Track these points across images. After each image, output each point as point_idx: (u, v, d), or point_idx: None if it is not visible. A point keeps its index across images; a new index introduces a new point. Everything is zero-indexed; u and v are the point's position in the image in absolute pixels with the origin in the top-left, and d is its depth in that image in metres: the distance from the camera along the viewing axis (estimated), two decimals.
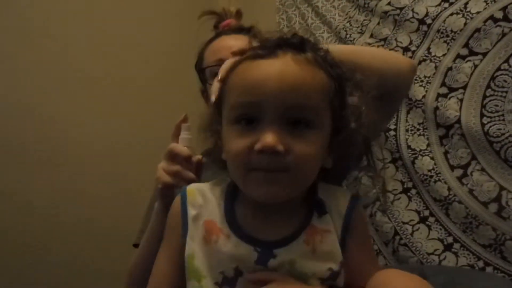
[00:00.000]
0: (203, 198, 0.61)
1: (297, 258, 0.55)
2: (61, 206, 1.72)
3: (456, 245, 1.22)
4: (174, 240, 0.60)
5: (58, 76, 1.75)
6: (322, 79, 0.55)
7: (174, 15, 2.12)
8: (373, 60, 0.76)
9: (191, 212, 0.60)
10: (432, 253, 1.25)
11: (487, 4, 1.21)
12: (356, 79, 0.60)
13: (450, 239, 1.23)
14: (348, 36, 1.59)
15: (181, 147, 0.76)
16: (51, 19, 1.76)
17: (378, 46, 1.49)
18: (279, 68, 0.53)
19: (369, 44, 1.51)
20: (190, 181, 0.72)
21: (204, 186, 0.63)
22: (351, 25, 1.60)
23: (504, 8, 1.17)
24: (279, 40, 0.57)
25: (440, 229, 1.26)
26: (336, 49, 0.65)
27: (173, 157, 0.75)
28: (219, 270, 0.56)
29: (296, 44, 0.57)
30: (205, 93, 1.09)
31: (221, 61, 0.95)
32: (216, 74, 0.95)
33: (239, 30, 1.06)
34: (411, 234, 1.31)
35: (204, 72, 1.05)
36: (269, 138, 0.50)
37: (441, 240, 1.25)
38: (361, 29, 1.56)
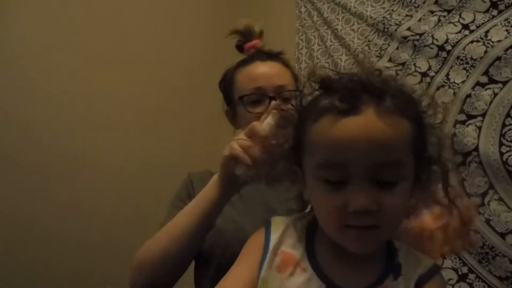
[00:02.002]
0: (287, 231, 0.62)
1: None
2: (69, 223, 1.73)
3: (471, 276, 1.18)
4: (251, 262, 0.61)
5: (73, 88, 1.79)
6: (406, 129, 0.55)
7: (196, 33, 2.16)
8: None
9: (274, 240, 0.61)
10: (446, 283, 1.22)
11: (508, 33, 1.20)
12: (434, 111, 0.59)
13: (465, 269, 1.20)
14: (366, 59, 1.60)
15: (262, 128, 0.75)
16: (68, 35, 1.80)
17: (396, 71, 1.49)
18: (366, 128, 0.52)
19: (387, 68, 1.51)
20: (255, 161, 0.72)
21: (288, 220, 0.64)
22: (369, 49, 1.61)
23: None
24: (359, 89, 0.55)
25: (455, 259, 1.23)
26: None
27: (251, 134, 0.75)
28: None
29: (376, 93, 0.55)
30: (230, 114, 1.10)
31: (259, 90, 1.00)
32: (254, 102, 1.00)
33: (271, 56, 1.08)
34: None
35: (232, 94, 1.07)
36: (361, 200, 0.52)
37: (456, 270, 1.22)
38: (379, 53, 1.56)
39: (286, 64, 1.09)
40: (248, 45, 1.11)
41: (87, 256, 1.73)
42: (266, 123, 0.77)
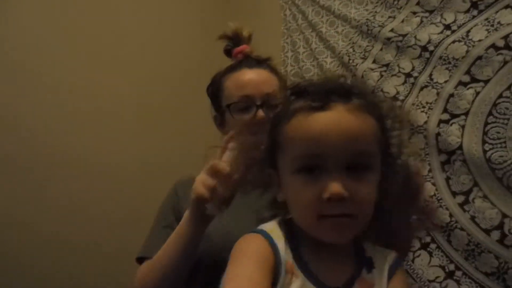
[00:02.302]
0: (281, 237, 0.63)
1: None
2: (67, 224, 1.71)
3: (458, 273, 1.19)
4: (265, 270, 0.57)
5: (71, 89, 1.78)
6: (372, 124, 0.61)
7: (196, 33, 2.16)
8: None
9: (284, 256, 0.60)
10: (434, 280, 1.23)
11: (488, 32, 1.22)
12: (394, 115, 0.66)
13: (451, 267, 1.21)
14: (351, 61, 1.61)
15: (223, 165, 0.76)
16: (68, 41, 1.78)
17: (380, 72, 1.51)
18: (337, 120, 0.58)
19: (372, 69, 1.53)
20: (224, 199, 0.75)
21: (277, 225, 0.65)
22: (354, 51, 1.62)
23: (505, 37, 1.18)
24: (328, 90, 0.61)
25: (442, 256, 1.24)
26: None
27: (213, 173, 0.76)
28: None
29: (343, 93, 0.61)
30: (217, 120, 1.10)
31: (247, 98, 1.01)
32: (241, 110, 1.01)
33: (259, 62, 1.08)
34: (412, 261, 1.29)
35: (220, 100, 1.07)
36: (335, 187, 0.55)
37: (443, 267, 1.23)
38: (364, 55, 1.58)
39: (274, 71, 1.09)
40: (236, 50, 1.11)
41: (86, 258, 1.72)
42: (226, 159, 0.78)
